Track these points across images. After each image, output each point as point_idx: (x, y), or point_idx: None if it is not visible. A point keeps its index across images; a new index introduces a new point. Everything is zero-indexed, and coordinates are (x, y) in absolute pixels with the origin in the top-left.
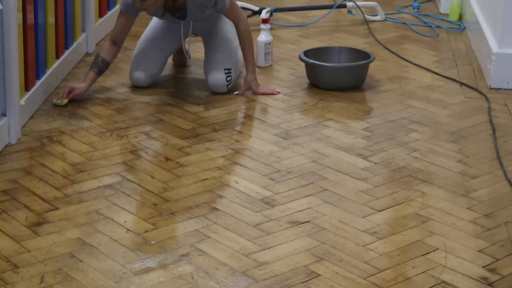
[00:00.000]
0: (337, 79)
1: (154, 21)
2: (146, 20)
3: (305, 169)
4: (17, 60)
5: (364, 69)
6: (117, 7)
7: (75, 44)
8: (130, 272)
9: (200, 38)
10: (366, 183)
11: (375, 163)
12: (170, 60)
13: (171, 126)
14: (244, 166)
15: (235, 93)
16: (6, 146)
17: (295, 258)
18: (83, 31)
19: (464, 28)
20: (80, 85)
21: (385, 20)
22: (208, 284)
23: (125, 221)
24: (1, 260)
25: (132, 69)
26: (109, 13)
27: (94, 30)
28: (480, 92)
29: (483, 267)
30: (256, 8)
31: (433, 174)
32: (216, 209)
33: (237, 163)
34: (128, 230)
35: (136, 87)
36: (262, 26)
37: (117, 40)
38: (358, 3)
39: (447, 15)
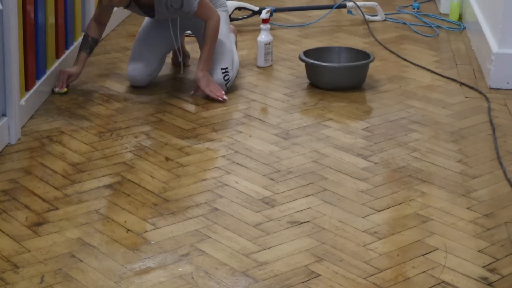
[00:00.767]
0: (337, 79)
1: (146, 21)
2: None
3: (305, 169)
4: (17, 60)
5: (364, 69)
6: None
7: (75, 44)
8: (130, 272)
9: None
10: (366, 183)
11: (375, 163)
12: (169, 60)
13: (171, 126)
14: (244, 166)
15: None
16: (6, 146)
17: (295, 258)
18: (83, 31)
19: (464, 28)
20: (74, 70)
21: (385, 20)
22: (208, 284)
23: (125, 221)
24: (1, 260)
25: (129, 70)
26: None
27: None
28: (480, 92)
29: (483, 267)
30: (256, 8)
31: (433, 174)
32: (216, 209)
33: (237, 163)
34: (128, 230)
35: (135, 87)
36: (262, 26)
37: (101, 20)
38: (358, 3)
39: (447, 15)
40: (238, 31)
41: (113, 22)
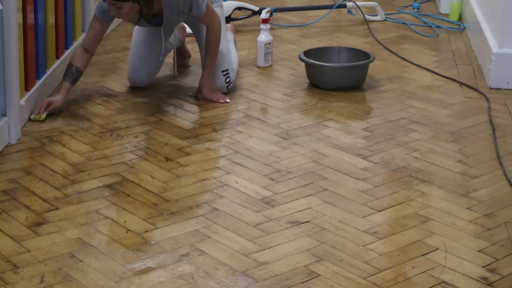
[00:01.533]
0: (337, 79)
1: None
2: None
3: (305, 169)
4: (17, 60)
5: (364, 69)
6: None
7: (75, 44)
8: (130, 272)
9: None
10: (366, 183)
11: (375, 163)
12: (169, 60)
13: (171, 126)
14: (244, 166)
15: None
16: (6, 146)
17: (295, 258)
18: (83, 31)
19: (464, 28)
20: (56, 98)
21: (385, 20)
22: (208, 284)
23: (125, 221)
24: (1, 260)
25: (129, 72)
26: None
27: None
28: (480, 92)
29: (483, 267)
30: (256, 8)
31: (433, 174)
32: (216, 209)
33: (237, 163)
34: (128, 230)
35: (135, 88)
36: (262, 26)
37: (90, 47)
38: (358, 3)
39: (447, 15)
40: (238, 31)
41: (113, 22)
